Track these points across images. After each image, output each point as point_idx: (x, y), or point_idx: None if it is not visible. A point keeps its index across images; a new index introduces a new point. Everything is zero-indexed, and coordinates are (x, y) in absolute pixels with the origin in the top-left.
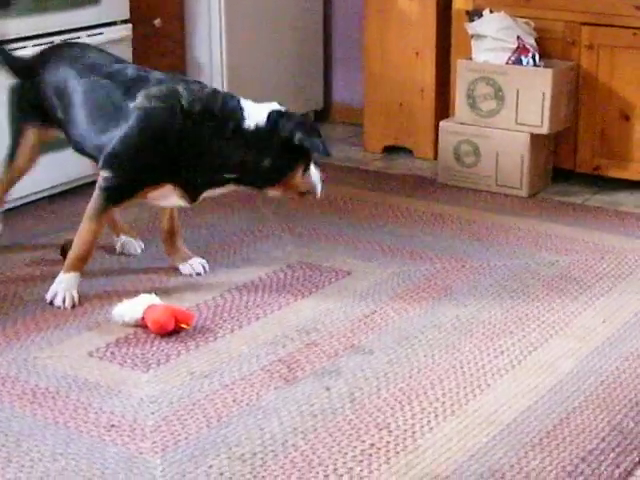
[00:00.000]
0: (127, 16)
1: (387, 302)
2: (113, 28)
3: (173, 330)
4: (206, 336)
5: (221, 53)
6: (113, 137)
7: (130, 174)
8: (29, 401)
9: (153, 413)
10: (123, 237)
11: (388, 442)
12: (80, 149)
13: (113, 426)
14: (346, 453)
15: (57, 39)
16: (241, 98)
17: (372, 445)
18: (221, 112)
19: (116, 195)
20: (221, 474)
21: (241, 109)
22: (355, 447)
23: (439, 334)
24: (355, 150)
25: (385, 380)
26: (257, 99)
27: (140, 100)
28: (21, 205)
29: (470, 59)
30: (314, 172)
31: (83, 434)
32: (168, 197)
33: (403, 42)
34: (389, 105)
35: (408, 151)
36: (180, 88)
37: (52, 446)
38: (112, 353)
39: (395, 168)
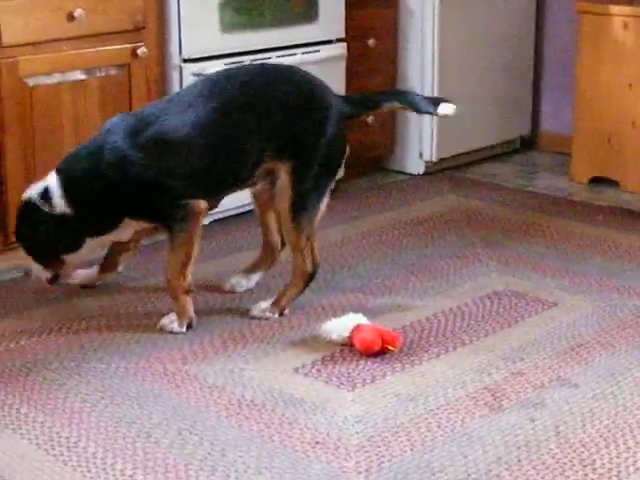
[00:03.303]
0: (343, 34)
1: (593, 336)
2: (329, 46)
3: (379, 351)
4: (412, 359)
5: (432, 74)
6: None
7: None
8: (235, 412)
9: (357, 433)
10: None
11: None
12: None
13: (317, 443)
14: None
15: (272, 55)
16: None
17: None
18: None
19: None
20: None
21: None
22: None
23: None
24: (561, 179)
25: (590, 415)
26: (466, 123)
27: None
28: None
29: None
30: None
31: (287, 449)
32: None
33: (616, 73)
34: (598, 136)
35: (614, 183)
36: None
37: (257, 459)
38: (318, 370)
39: (601, 200)
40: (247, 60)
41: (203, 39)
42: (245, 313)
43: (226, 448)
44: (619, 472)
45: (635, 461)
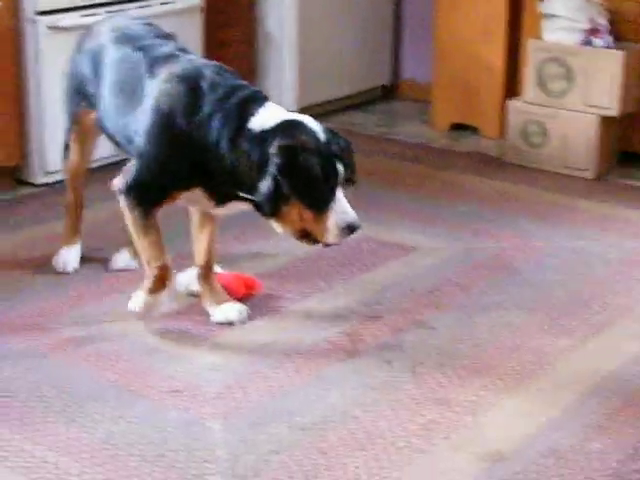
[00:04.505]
0: None
1: (451, 279)
2: None
3: (242, 297)
4: (270, 305)
5: (292, 25)
6: (129, 122)
7: (156, 177)
8: (93, 363)
9: (215, 380)
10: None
11: (448, 418)
12: (102, 127)
13: (175, 391)
14: (406, 427)
15: (130, 7)
16: (269, 102)
17: (432, 420)
18: (233, 105)
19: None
20: (280, 442)
21: (254, 108)
22: (415, 421)
23: (502, 312)
24: (422, 127)
25: (447, 356)
26: (326, 72)
27: (161, 78)
28: None
29: (541, 39)
30: (339, 212)
31: (145, 398)
32: (197, 201)
33: (473, 20)
34: (457, 83)
35: (474, 129)
36: (207, 71)
37: (113, 408)
38: (175, 320)
39: (461, 146)
40: (103, 12)
41: None
42: (105, 265)
43: (84, 399)
44: (474, 409)
45: (490, 399)
